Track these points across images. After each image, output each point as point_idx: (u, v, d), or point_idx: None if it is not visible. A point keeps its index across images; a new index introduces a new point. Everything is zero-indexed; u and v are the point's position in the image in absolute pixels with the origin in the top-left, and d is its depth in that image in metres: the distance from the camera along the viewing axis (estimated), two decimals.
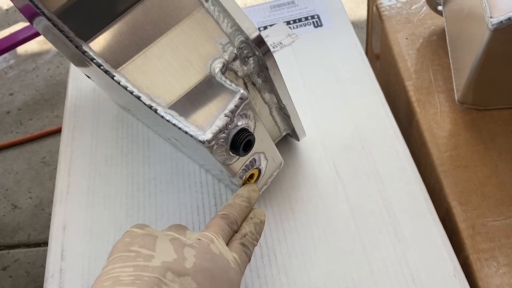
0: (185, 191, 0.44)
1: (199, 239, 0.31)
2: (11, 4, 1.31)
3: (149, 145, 0.48)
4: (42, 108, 1.06)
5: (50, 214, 0.85)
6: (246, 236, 0.34)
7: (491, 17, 0.36)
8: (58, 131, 1.01)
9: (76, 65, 0.46)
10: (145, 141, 0.48)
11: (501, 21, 0.36)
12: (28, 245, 0.84)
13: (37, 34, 1.08)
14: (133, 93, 0.32)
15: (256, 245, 0.35)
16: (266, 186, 0.40)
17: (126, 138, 0.49)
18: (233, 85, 0.32)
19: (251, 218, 0.35)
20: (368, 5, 0.67)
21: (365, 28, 0.78)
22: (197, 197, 0.44)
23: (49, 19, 0.31)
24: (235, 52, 0.34)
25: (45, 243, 0.86)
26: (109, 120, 0.51)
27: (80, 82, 0.54)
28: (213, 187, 0.44)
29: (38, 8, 0.30)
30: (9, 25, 1.24)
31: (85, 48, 0.32)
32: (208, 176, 0.45)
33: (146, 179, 0.46)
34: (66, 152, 0.49)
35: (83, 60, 0.35)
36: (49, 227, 0.45)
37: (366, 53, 0.74)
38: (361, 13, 1.06)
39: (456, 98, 0.49)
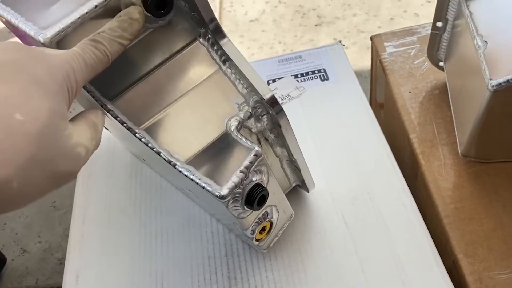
0: (196, 241, 0.45)
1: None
2: None
3: (161, 194, 0.49)
4: None
5: (59, 259, 0.85)
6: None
7: (490, 79, 0.39)
8: None
9: None
10: (158, 190, 0.50)
11: (500, 83, 0.38)
12: None
13: None
14: (154, 149, 0.34)
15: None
16: (277, 238, 0.41)
17: (140, 187, 0.50)
18: (248, 142, 0.34)
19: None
20: (372, 59, 0.70)
21: (368, 77, 0.81)
22: (208, 247, 0.44)
23: None
24: (250, 111, 0.36)
25: None
26: (123, 169, 0.52)
27: None
28: (224, 237, 0.45)
29: None
30: None
31: (110, 107, 0.34)
32: (219, 226, 0.46)
33: (158, 228, 0.47)
34: (81, 200, 0.50)
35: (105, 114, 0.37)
36: (57, 272, 0.45)
37: (371, 102, 0.76)
38: (364, 63, 1.10)
39: (459, 151, 0.51)
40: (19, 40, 0.34)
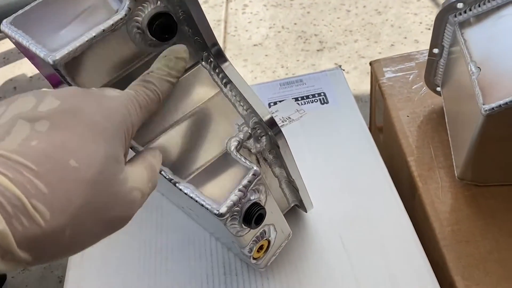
0: (195, 259, 0.46)
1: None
2: (35, 72, 1.39)
3: (162, 212, 0.50)
4: None
5: (59, 277, 0.85)
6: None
7: (483, 104, 0.40)
8: None
9: None
10: (159, 208, 0.51)
11: (493, 108, 0.39)
12: None
13: None
14: None
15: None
16: (274, 257, 0.42)
17: None
18: (247, 162, 0.35)
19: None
20: (371, 83, 0.71)
21: (368, 102, 0.82)
22: (206, 266, 0.45)
23: None
24: (249, 131, 0.37)
25: None
26: None
27: None
28: (223, 256, 0.45)
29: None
30: None
31: None
32: (218, 245, 0.46)
33: (158, 246, 0.47)
34: None
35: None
36: None
37: (370, 126, 0.77)
38: (365, 88, 1.12)
39: (456, 174, 0.52)
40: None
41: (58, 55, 0.31)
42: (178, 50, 0.32)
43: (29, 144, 0.22)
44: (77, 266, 0.47)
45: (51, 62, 0.31)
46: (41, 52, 0.32)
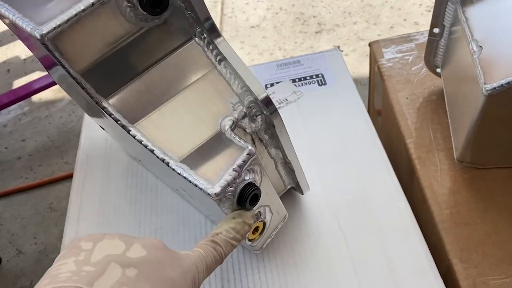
0: (190, 242, 0.45)
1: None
2: (29, 54, 1.37)
3: (157, 195, 0.49)
4: (52, 154, 1.09)
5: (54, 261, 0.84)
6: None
7: (485, 83, 0.39)
8: (66, 177, 1.03)
9: (89, 115, 0.49)
10: (153, 191, 0.50)
11: (494, 88, 0.38)
12: None
13: (52, 84, 1.13)
14: (147, 147, 0.34)
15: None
16: (270, 239, 0.41)
17: (135, 187, 0.50)
18: (242, 141, 0.34)
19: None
20: (370, 65, 0.70)
21: (367, 85, 0.81)
22: None
23: (73, 77, 0.34)
24: (244, 110, 0.36)
25: None
26: (119, 169, 0.52)
27: (93, 131, 0.57)
28: None
29: (65, 68, 0.32)
30: (25, 74, 1.30)
31: (104, 104, 0.35)
32: (214, 227, 0.46)
33: (152, 228, 0.47)
34: (76, 200, 0.50)
35: (99, 112, 0.37)
36: None
37: (369, 109, 0.76)
38: (364, 70, 1.11)
39: (455, 157, 0.51)
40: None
41: (45, 29, 0.30)
42: (247, 216, 0.34)
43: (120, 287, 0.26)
44: None
45: (38, 36, 0.30)
46: (27, 26, 0.31)
